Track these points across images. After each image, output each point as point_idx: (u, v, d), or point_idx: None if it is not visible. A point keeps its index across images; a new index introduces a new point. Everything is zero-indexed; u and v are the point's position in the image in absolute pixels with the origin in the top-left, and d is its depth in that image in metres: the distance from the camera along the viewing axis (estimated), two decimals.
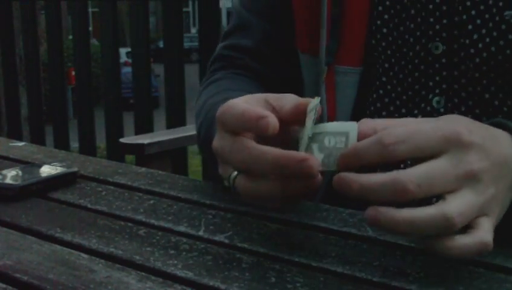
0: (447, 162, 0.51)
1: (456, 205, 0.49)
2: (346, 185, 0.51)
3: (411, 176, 0.49)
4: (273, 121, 0.54)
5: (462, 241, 0.50)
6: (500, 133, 0.56)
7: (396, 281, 0.50)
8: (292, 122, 0.58)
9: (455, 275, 0.51)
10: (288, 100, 0.58)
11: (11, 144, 0.99)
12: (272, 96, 0.60)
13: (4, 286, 0.50)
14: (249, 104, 0.58)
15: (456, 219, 0.49)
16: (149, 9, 2.78)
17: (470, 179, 0.51)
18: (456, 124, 0.53)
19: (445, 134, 0.51)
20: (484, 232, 0.51)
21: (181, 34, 2.65)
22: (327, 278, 0.51)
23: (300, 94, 0.61)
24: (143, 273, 0.52)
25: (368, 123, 0.54)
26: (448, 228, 0.49)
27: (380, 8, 0.79)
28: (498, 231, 0.54)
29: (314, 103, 0.56)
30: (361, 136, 0.53)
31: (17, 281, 0.51)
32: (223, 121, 0.58)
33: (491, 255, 0.54)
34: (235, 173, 0.58)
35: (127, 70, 6.31)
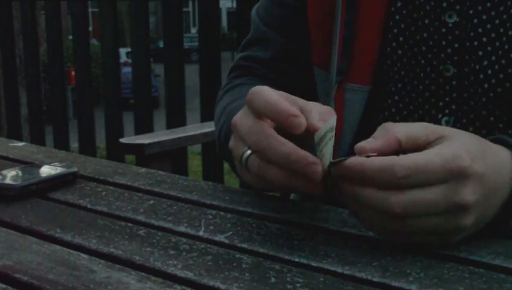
0: (441, 191, 0.53)
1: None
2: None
3: (400, 200, 0.52)
4: (304, 122, 0.57)
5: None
6: (502, 158, 0.58)
7: (396, 281, 0.50)
8: (311, 129, 0.59)
9: (455, 275, 0.51)
10: (315, 108, 0.60)
11: (11, 144, 0.99)
12: (301, 100, 0.62)
13: (4, 286, 0.50)
14: (282, 97, 0.60)
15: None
16: (149, 9, 2.78)
17: (458, 209, 0.54)
18: (463, 152, 0.54)
19: (451, 168, 0.53)
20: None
21: (181, 34, 2.65)
22: (327, 278, 0.51)
23: None
24: (143, 274, 0.52)
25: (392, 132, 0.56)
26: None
27: (396, 30, 0.80)
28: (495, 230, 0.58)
29: (333, 121, 0.57)
30: (385, 145, 0.55)
31: (17, 281, 0.51)
32: (252, 101, 0.60)
33: (491, 256, 0.55)
34: (249, 151, 0.61)
35: (127, 70, 6.32)
